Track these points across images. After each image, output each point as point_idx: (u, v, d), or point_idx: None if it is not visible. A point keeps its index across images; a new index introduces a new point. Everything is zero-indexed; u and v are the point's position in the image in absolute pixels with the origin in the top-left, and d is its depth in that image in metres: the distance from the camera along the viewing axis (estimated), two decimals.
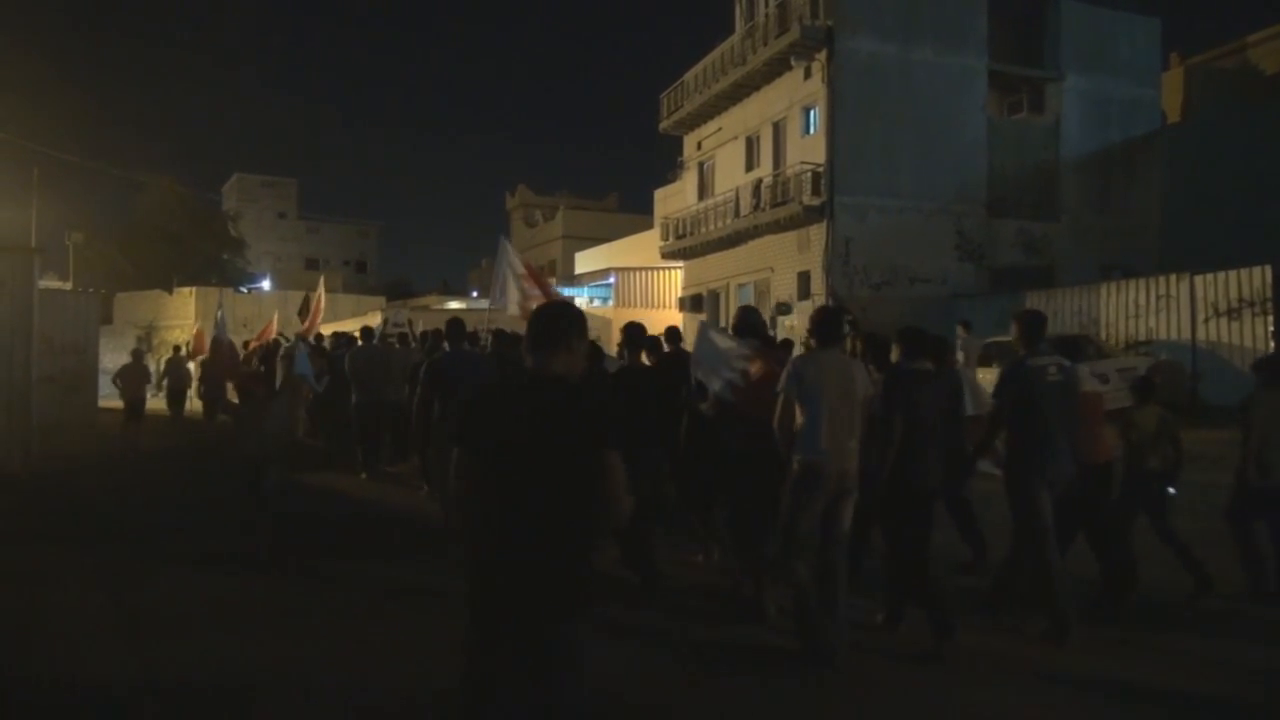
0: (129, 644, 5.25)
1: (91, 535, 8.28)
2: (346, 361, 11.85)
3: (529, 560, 2.62)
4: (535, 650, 2.62)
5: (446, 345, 8.60)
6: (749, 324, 6.35)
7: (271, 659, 4.95)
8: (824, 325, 5.24)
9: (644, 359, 7.21)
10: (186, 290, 39.22)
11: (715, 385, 5.87)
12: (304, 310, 19.70)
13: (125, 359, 16.23)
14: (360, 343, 12.55)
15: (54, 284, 32.15)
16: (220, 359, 16.07)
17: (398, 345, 13.09)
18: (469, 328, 9.50)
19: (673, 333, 8.07)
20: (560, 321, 2.86)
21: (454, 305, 36.11)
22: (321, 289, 18.78)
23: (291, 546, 7.11)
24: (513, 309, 11.33)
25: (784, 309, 21.82)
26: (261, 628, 5.49)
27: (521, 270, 11.51)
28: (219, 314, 17.67)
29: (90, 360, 18.72)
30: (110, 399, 17.46)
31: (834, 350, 5.23)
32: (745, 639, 5.33)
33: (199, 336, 22.73)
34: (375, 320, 19.59)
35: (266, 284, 50.99)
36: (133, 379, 14.93)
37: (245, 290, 43.71)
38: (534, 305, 10.19)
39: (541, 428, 2.66)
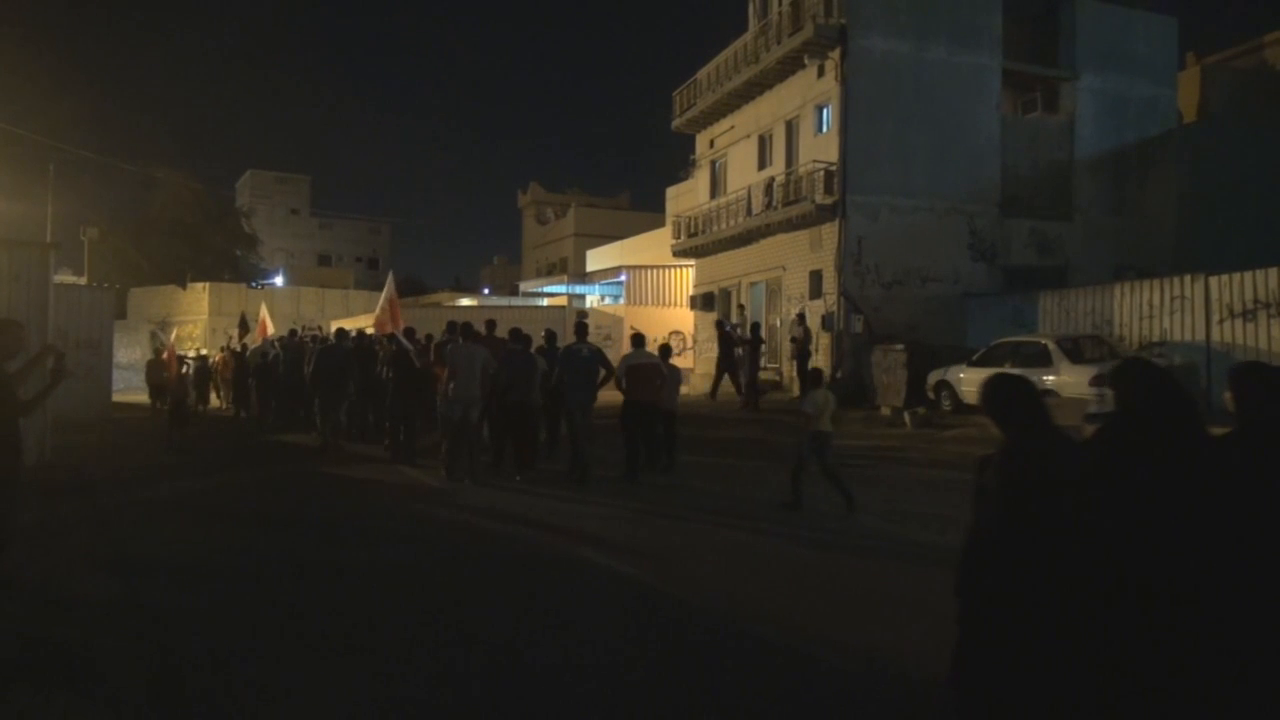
0: None
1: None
2: (283, 354, 17.83)
3: None
4: None
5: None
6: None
7: None
8: (465, 330, 11.26)
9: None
10: (200, 286, 39.50)
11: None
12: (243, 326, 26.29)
13: (138, 354, 17.67)
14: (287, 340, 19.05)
15: (69, 279, 32.31)
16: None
17: (309, 344, 17.53)
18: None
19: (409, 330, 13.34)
20: None
21: (465, 302, 36.19)
22: (264, 311, 24.27)
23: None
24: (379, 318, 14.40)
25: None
26: None
27: (384, 302, 14.18)
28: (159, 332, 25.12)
29: (105, 355, 18.88)
30: (123, 393, 17.75)
31: (469, 342, 10.94)
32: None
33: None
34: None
35: (279, 280, 51.23)
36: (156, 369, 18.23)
37: (258, 286, 43.95)
38: (384, 321, 13.78)
39: None
